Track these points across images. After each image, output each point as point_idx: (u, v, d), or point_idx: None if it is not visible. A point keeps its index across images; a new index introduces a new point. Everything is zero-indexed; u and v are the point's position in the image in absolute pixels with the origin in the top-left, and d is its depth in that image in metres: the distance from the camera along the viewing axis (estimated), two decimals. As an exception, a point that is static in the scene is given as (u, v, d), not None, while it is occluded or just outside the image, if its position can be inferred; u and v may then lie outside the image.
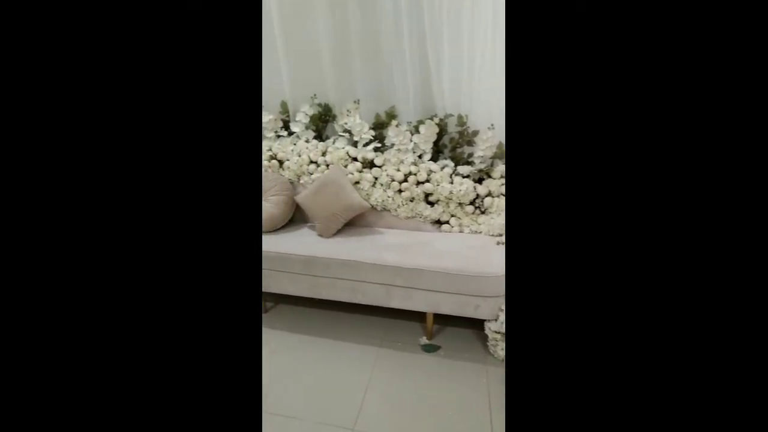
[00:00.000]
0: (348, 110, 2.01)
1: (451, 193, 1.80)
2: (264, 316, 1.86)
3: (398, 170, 1.89)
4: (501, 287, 1.46)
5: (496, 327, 1.48)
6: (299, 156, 2.03)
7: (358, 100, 2.00)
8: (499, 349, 1.52)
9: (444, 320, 1.73)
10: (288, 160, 2.05)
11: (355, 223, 1.94)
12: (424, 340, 1.65)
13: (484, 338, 1.57)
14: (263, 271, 1.72)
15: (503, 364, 1.47)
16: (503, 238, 1.68)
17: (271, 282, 1.73)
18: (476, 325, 1.63)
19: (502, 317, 1.46)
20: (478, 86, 1.82)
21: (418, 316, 1.72)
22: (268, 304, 1.93)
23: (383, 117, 2.00)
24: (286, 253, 1.67)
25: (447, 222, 1.87)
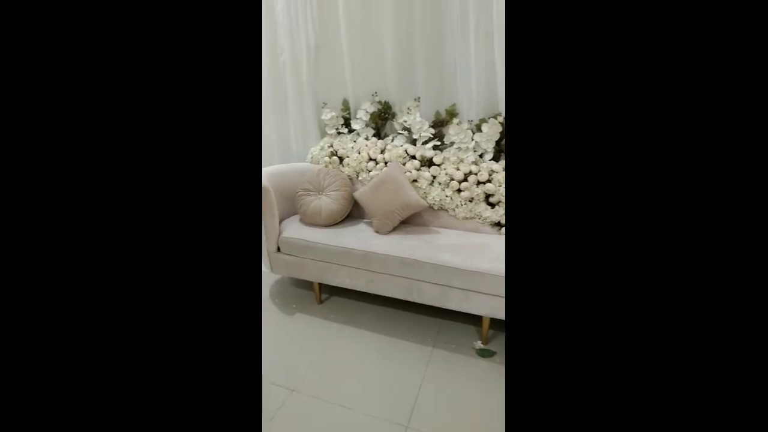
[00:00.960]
0: (408, 108, 2.01)
1: (513, 194, 1.74)
2: (318, 307, 1.93)
3: (458, 169, 1.86)
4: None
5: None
6: (359, 153, 2.07)
7: (419, 98, 1.99)
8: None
9: (499, 325, 1.68)
10: (348, 156, 2.10)
11: (411, 221, 1.94)
12: (479, 344, 1.61)
13: (544, 348, 1.50)
14: (322, 263, 1.78)
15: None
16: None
17: (329, 275, 1.78)
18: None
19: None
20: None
21: (473, 319, 1.69)
22: (323, 296, 1.99)
23: (444, 115, 1.98)
24: (346, 248, 1.71)
25: (507, 224, 1.80)
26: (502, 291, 1.46)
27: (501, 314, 1.50)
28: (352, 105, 2.18)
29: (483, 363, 1.53)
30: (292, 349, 1.63)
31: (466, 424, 1.25)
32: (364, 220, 2.01)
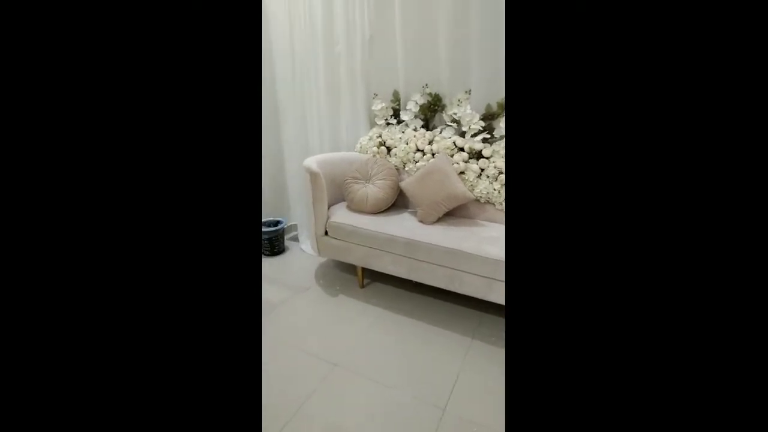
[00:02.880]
0: (459, 100, 2.00)
1: (564, 190, 1.69)
2: (361, 291, 2.00)
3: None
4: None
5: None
6: (407, 144, 2.10)
7: (470, 90, 1.98)
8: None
9: (542, 323, 1.66)
10: (396, 147, 2.14)
11: (455, 213, 1.94)
12: (519, 340, 1.60)
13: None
14: (367, 248, 1.84)
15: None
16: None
17: (373, 260, 1.84)
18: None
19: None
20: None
21: (515, 315, 1.68)
22: (366, 281, 2.06)
23: (495, 108, 1.95)
24: (390, 234, 1.76)
25: (556, 221, 1.76)
26: (548, 287, 1.44)
27: (545, 311, 1.48)
28: (402, 96, 2.21)
29: (523, 358, 1.52)
30: (335, 328, 1.71)
31: (501, 414, 1.26)
32: (409, 210, 2.04)
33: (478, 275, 1.58)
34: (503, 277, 1.52)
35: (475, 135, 1.96)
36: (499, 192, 1.85)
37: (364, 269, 1.98)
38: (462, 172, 1.94)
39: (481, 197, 1.90)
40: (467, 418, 1.25)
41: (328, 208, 1.99)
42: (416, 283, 1.78)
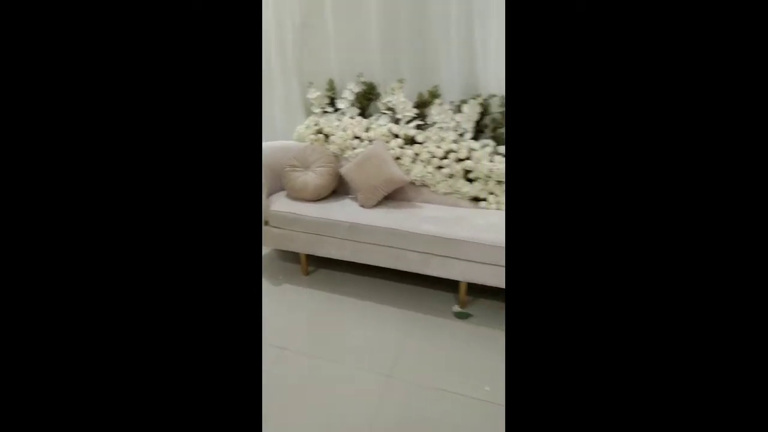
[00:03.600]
0: (392, 88, 2.09)
1: (490, 171, 1.86)
2: (305, 278, 2.01)
3: (439, 147, 1.96)
4: (536, 261, 1.53)
5: (529, 298, 1.55)
6: (344, 131, 2.14)
7: (403, 79, 2.07)
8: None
9: (477, 292, 1.82)
10: (333, 134, 2.17)
11: (394, 197, 2.03)
12: (456, 308, 1.74)
13: (515, 309, 1.64)
14: (309, 235, 1.85)
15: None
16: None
17: (316, 246, 1.86)
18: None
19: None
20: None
21: (453, 287, 1.82)
22: (310, 268, 2.07)
23: (426, 96, 2.07)
24: (333, 219, 1.79)
25: (485, 199, 1.93)
26: (478, 258, 1.59)
27: (477, 279, 1.63)
28: (337, 85, 2.23)
29: (460, 324, 1.66)
30: (280, 316, 1.71)
31: (443, 374, 1.38)
32: (349, 196, 2.09)
33: (417, 251, 1.68)
34: (439, 252, 1.64)
35: (409, 122, 2.07)
36: (432, 175, 1.98)
37: (308, 257, 2.00)
38: (398, 158, 2.03)
39: (416, 180, 2.01)
40: (413, 381, 1.35)
41: (267, 198, 1.96)
42: (360, 266, 1.84)
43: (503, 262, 1.56)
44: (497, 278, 1.60)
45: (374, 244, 1.75)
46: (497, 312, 1.72)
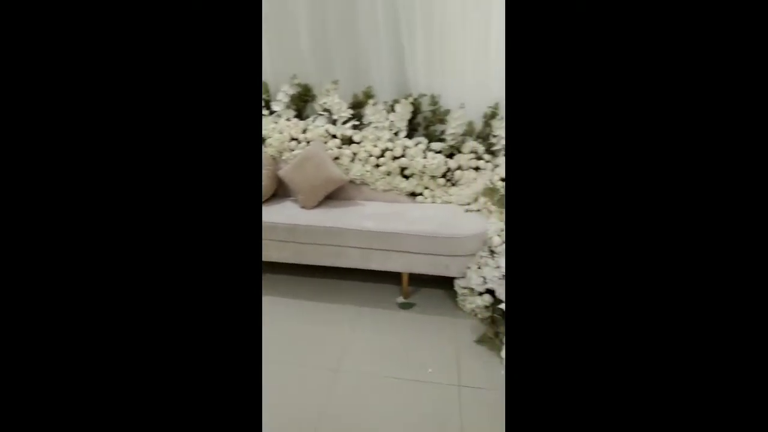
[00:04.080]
0: (327, 90, 2.11)
1: (424, 167, 1.96)
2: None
3: (375, 146, 2.02)
4: (469, 248, 1.64)
5: (464, 283, 1.66)
6: (281, 133, 2.12)
7: (337, 81, 2.11)
8: (467, 304, 1.69)
9: (418, 283, 1.90)
10: (270, 137, 2.14)
11: (335, 196, 2.06)
12: (400, 299, 1.80)
13: (454, 295, 1.74)
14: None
15: (470, 317, 1.65)
16: (471, 207, 1.85)
17: (257, 250, 1.83)
18: (446, 285, 1.80)
19: (470, 274, 1.64)
20: (449, 68, 1.98)
21: (396, 280, 1.88)
22: (253, 274, 2.02)
23: (361, 97, 2.12)
24: (271, 222, 1.77)
25: (421, 194, 2.02)
26: (418, 249, 1.66)
27: (417, 269, 1.71)
28: (271, 88, 2.21)
29: (404, 314, 1.72)
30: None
31: (390, 363, 1.43)
32: (290, 198, 2.08)
33: (357, 248, 1.72)
34: (379, 246, 1.70)
35: (345, 122, 2.10)
36: (371, 173, 2.03)
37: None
38: (337, 158, 2.06)
39: (356, 179, 2.05)
40: (360, 372, 1.38)
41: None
42: (303, 268, 1.84)
43: (441, 252, 1.65)
44: (436, 267, 1.69)
45: (314, 243, 1.76)
46: (439, 299, 1.81)
